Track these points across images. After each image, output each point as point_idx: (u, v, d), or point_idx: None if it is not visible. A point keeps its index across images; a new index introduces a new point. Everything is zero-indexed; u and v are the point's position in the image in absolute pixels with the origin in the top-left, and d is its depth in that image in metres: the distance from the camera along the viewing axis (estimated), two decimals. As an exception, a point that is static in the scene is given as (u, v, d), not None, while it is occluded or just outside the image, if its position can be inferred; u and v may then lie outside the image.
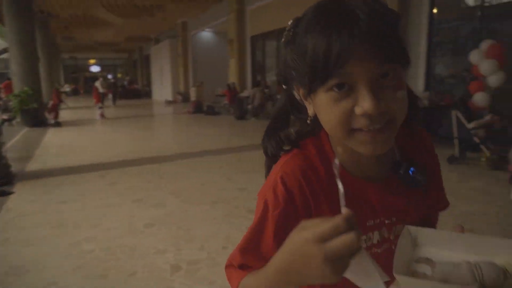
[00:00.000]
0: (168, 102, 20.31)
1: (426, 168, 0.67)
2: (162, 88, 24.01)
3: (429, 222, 0.76)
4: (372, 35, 0.49)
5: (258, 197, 0.66)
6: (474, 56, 5.53)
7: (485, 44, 5.48)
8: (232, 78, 15.02)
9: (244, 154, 6.33)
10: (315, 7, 0.55)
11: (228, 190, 4.24)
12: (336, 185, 0.45)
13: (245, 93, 11.99)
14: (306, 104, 0.62)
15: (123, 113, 15.17)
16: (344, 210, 0.42)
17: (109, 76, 33.61)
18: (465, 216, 3.27)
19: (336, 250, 0.39)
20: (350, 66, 0.50)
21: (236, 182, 4.59)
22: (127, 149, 7.02)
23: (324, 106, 0.55)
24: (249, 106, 11.48)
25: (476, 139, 4.97)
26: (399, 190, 0.66)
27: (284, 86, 0.66)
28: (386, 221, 0.67)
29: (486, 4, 6.73)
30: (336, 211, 0.44)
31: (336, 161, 0.45)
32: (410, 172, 0.64)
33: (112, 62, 41.46)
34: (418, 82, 7.59)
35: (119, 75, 40.53)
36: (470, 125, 4.99)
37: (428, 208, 0.73)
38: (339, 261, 0.40)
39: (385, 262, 0.52)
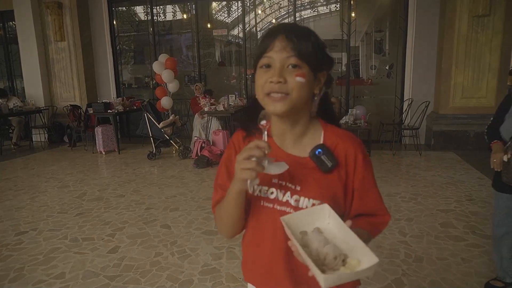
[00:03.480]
0: None
1: (336, 159, 0.85)
2: None
3: (338, 207, 0.86)
4: (288, 39, 0.81)
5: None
6: (155, 66, 6.55)
7: (162, 57, 6.61)
8: None
9: None
10: (277, 25, 0.88)
11: None
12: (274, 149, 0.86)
13: None
14: None
15: None
16: (254, 142, 0.75)
17: None
18: (170, 199, 4.01)
19: (239, 157, 0.75)
20: (271, 54, 0.82)
21: None
22: None
23: (256, 77, 0.85)
24: None
25: (166, 136, 5.99)
26: (313, 169, 0.85)
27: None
28: (289, 185, 0.85)
29: (155, 20, 8.00)
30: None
31: (263, 122, 0.78)
32: (317, 153, 0.81)
33: None
34: (110, 89, 8.04)
35: None
36: (160, 125, 5.94)
37: (335, 195, 0.87)
38: (246, 165, 0.73)
39: (278, 219, 0.79)
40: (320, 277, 0.64)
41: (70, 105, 7.22)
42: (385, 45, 7.84)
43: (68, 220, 3.53)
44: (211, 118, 6.06)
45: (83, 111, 7.17)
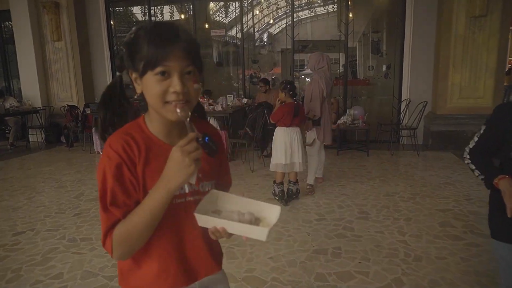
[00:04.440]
0: None
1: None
2: None
3: (224, 186, 1.08)
4: (185, 47, 0.82)
5: (99, 163, 0.87)
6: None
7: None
8: None
9: None
10: (153, 25, 0.84)
11: None
12: (154, 146, 0.88)
13: None
14: (135, 85, 0.88)
15: None
16: (192, 133, 0.78)
17: None
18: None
19: (189, 150, 0.76)
20: (170, 61, 0.81)
21: None
22: None
23: (150, 85, 0.83)
24: None
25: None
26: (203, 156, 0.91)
27: (118, 73, 0.94)
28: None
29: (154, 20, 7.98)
30: (152, 162, 0.86)
31: (187, 122, 0.80)
32: (206, 140, 0.87)
33: None
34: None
35: None
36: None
37: (219, 175, 1.04)
38: (191, 156, 0.75)
39: (193, 209, 0.87)
40: (264, 231, 0.81)
41: (67, 105, 7.19)
42: (383, 45, 7.86)
43: (65, 220, 3.51)
44: (209, 118, 6.04)
45: (80, 111, 7.14)
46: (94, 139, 6.48)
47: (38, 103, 7.70)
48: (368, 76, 8.02)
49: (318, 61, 4.13)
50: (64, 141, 7.46)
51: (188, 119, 0.82)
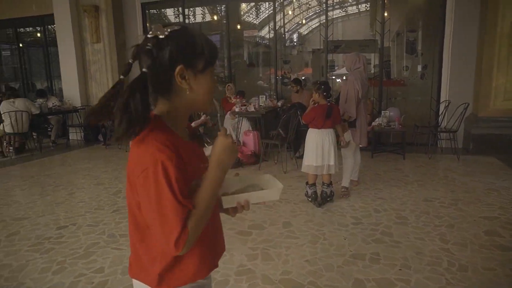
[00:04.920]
0: None
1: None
2: None
3: None
4: None
5: (144, 170, 0.83)
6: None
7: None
8: None
9: None
10: (194, 28, 0.95)
11: None
12: (179, 143, 0.89)
13: None
14: (183, 82, 0.89)
15: None
16: (224, 128, 0.95)
17: None
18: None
19: (231, 136, 0.91)
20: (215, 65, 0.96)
21: None
22: None
23: (210, 80, 0.93)
24: None
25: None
26: (198, 147, 1.04)
27: (144, 70, 0.88)
28: (205, 165, 0.96)
29: (188, 22, 8.14)
30: (187, 156, 0.89)
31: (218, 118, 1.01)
32: (201, 134, 1.07)
33: None
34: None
35: None
36: (191, 124, 5.99)
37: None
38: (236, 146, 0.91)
39: None
40: (278, 191, 1.01)
41: (105, 105, 7.43)
42: (418, 45, 7.61)
43: (104, 216, 3.63)
44: (242, 119, 6.07)
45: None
46: (130, 138, 6.67)
47: (77, 102, 8.02)
48: (402, 76, 7.78)
49: (354, 61, 4.07)
50: (102, 140, 7.74)
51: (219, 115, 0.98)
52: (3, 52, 10.63)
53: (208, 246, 1.00)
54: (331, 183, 3.83)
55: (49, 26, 9.03)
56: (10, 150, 6.60)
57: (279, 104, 6.75)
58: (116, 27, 7.82)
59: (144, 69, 0.87)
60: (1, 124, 6.41)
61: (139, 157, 0.85)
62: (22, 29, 9.75)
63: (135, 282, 1.02)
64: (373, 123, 5.81)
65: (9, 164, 6.07)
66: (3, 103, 6.32)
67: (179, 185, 0.83)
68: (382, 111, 6.12)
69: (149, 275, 0.96)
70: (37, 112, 6.73)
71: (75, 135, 7.86)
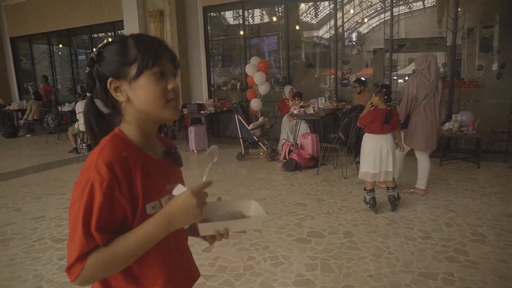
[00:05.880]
0: None
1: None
2: None
3: None
4: (172, 53, 0.89)
5: (77, 183, 0.79)
6: (248, 69, 6.68)
7: (254, 59, 6.71)
8: (-11, 87, 12.24)
9: (27, 178, 5.41)
10: (133, 35, 0.87)
11: (20, 223, 3.60)
12: (141, 160, 0.84)
13: (14, 106, 10.00)
14: (118, 94, 0.85)
15: None
16: (205, 178, 0.83)
17: None
18: (259, 201, 4.00)
19: (202, 198, 0.79)
20: (164, 61, 0.85)
21: (28, 212, 3.93)
22: None
23: (148, 86, 0.83)
24: (22, 121, 9.69)
25: (255, 138, 6.05)
26: (172, 166, 0.98)
27: (88, 94, 0.89)
28: (172, 186, 0.88)
29: (247, 24, 8.19)
30: (147, 176, 0.83)
31: (215, 159, 0.91)
32: (176, 151, 0.97)
33: None
34: (203, 91, 8.46)
35: None
36: (250, 127, 6.02)
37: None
38: (202, 205, 0.79)
39: None
40: (260, 219, 0.99)
41: (167, 105, 7.75)
42: (495, 42, 6.90)
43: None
44: (300, 121, 5.96)
45: (178, 112, 7.64)
46: (189, 138, 6.88)
47: (142, 103, 8.44)
48: (475, 77, 7.11)
49: (420, 62, 3.96)
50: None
51: (210, 164, 0.91)
52: (79, 56, 11.56)
53: (174, 270, 0.92)
54: (396, 186, 3.67)
55: (120, 31, 9.63)
56: (83, 147, 7.14)
57: (344, 105, 6.50)
58: (179, 31, 8.12)
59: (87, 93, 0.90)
60: (76, 122, 6.96)
61: (83, 166, 0.81)
62: (95, 34, 10.51)
63: None
64: (443, 127, 5.37)
65: (82, 160, 6.53)
66: (79, 103, 6.86)
67: (100, 215, 0.74)
68: (453, 115, 5.64)
69: None
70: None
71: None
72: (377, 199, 3.64)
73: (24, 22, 10.95)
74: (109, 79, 0.84)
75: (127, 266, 0.80)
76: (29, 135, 9.70)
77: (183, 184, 0.96)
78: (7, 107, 10.02)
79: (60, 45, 11.51)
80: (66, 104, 9.29)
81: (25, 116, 9.44)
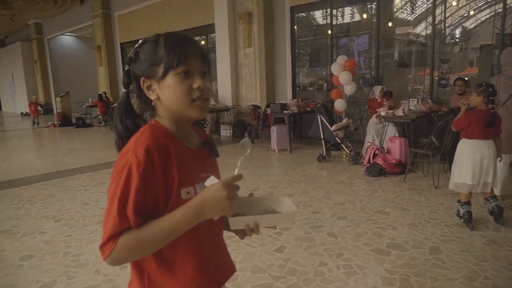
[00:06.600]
0: (25, 115, 17.66)
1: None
2: (16, 98, 20.73)
3: None
4: (200, 49, 0.89)
5: (116, 166, 0.82)
6: (334, 68, 6.48)
7: (341, 58, 6.48)
8: (102, 87, 13.99)
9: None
10: (166, 33, 0.89)
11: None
12: (177, 147, 0.86)
13: (120, 103, 11.26)
14: (150, 92, 0.89)
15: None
16: (236, 171, 0.84)
17: None
18: (337, 206, 3.84)
19: (233, 190, 0.80)
20: (190, 60, 0.85)
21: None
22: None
23: (174, 85, 0.85)
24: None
25: (338, 139, 5.83)
26: (208, 156, 0.99)
27: (124, 90, 0.95)
28: (207, 175, 0.89)
29: (334, 23, 7.95)
30: (183, 162, 0.85)
31: (248, 151, 0.90)
32: (213, 142, 0.99)
33: None
34: (287, 91, 8.47)
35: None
36: (332, 128, 5.82)
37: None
38: (232, 198, 0.80)
39: None
40: (292, 216, 0.92)
41: (252, 105, 7.95)
42: None
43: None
44: (388, 124, 5.56)
45: (261, 111, 7.78)
46: (271, 137, 6.93)
47: (229, 102, 8.81)
48: None
49: (505, 60, 3.67)
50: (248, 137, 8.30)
51: (242, 157, 0.90)
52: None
53: (206, 261, 0.93)
54: (495, 195, 3.26)
55: (211, 34, 10.20)
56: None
57: (441, 107, 5.90)
58: (266, 31, 8.25)
59: (124, 89, 0.94)
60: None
61: (122, 151, 0.85)
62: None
63: None
64: None
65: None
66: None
67: (136, 196, 0.78)
68: None
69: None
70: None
71: (225, 131, 8.66)
72: (473, 214, 3.21)
73: (133, 28, 12.26)
74: (142, 79, 0.89)
75: (159, 250, 0.83)
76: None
77: (218, 175, 1.00)
78: (115, 104, 11.35)
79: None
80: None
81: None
